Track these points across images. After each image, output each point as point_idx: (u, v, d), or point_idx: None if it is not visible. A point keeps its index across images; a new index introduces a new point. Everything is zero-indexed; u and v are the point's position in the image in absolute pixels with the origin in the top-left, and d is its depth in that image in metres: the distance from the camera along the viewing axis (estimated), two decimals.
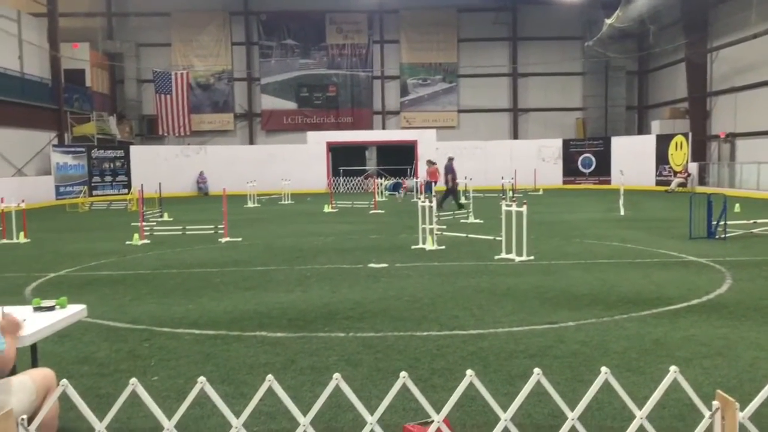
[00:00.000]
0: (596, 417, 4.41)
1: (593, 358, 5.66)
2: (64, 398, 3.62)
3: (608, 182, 36.09)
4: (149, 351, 6.20)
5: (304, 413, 3.16)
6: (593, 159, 37.59)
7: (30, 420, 2.97)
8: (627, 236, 14.21)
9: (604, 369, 2.88)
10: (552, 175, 37.43)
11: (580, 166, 37.99)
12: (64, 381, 2.69)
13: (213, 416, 4.51)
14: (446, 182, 22.87)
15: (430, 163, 25.02)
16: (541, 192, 32.58)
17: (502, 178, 27.57)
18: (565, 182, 37.98)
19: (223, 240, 14.59)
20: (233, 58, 41.55)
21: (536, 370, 2.87)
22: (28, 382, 3.49)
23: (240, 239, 14.73)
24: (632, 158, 34.84)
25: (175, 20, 40.65)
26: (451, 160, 23.00)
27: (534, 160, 37.11)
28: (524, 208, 11.31)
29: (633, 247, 12.51)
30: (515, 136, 41.53)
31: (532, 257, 11.18)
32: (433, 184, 24.01)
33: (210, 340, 6.52)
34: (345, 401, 4.67)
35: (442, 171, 23.53)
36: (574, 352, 5.86)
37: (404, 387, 2.97)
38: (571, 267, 10.42)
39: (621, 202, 20.10)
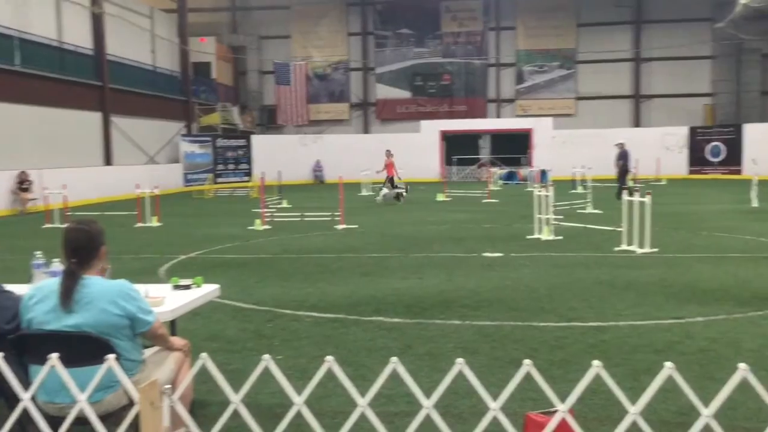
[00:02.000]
0: (729, 416, 4.20)
1: (724, 356, 5.38)
2: (198, 371, 3.85)
3: (738, 172, 33.91)
4: (273, 331, 6.46)
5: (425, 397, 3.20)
6: (723, 147, 35.43)
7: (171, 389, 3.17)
8: (762, 229, 13.32)
9: (742, 365, 2.74)
10: (676, 164, 35.64)
11: (708, 155, 35.92)
12: (203, 355, 2.86)
13: (334, 396, 4.65)
14: (622, 169, 21.52)
15: (389, 154, 23.79)
16: (664, 182, 31.10)
17: (614, 166, 26.45)
18: (691, 172, 36.05)
19: (340, 227, 14.92)
20: (350, 49, 42.23)
21: (668, 364, 2.77)
22: (166, 354, 3.74)
23: (356, 226, 15.02)
24: (767, 147, 32.56)
25: (294, 13, 41.79)
26: (621, 145, 21.87)
27: (657, 149, 35.42)
28: (647, 199, 10.85)
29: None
30: (637, 124, 39.81)
31: (655, 249, 10.72)
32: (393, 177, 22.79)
33: (329, 323, 6.71)
34: (462, 388, 4.69)
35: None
36: (702, 349, 5.59)
37: (523, 376, 2.95)
38: (698, 260, 9.91)
39: (754, 193, 18.86)
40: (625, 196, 11.48)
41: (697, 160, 36.20)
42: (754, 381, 2.83)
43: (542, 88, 41.10)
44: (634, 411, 2.82)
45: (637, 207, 10.91)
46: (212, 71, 38.50)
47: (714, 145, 35.81)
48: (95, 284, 3.35)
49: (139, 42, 32.27)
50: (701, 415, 2.88)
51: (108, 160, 28.49)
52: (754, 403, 4.04)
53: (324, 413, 4.35)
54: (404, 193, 22.39)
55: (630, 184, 21.20)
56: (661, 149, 35.71)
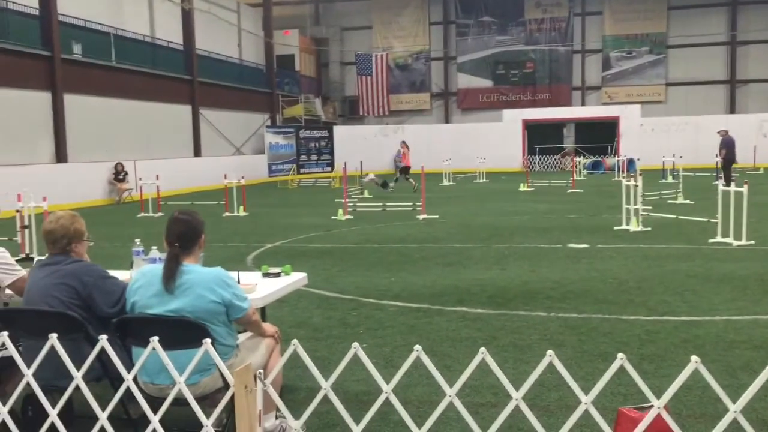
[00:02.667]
0: None
1: None
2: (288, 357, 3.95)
3: None
4: (357, 319, 6.55)
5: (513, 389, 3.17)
6: None
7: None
8: None
9: None
10: None
11: None
12: (295, 341, 2.93)
13: (419, 385, 4.68)
14: (726, 158, 20.70)
15: (404, 145, 23.96)
16: (761, 171, 29.57)
17: (716, 155, 25.36)
18: None
19: (421, 217, 14.93)
20: (430, 38, 42.06)
21: None
22: (259, 339, 3.86)
23: (437, 216, 15.00)
24: None
25: (376, 3, 41.94)
26: (725, 133, 21.03)
27: (754, 137, 33.65)
28: (744, 188, 10.35)
29: None
30: (732, 111, 37.95)
31: (752, 242, 10.23)
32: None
33: (413, 313, 6.74)
34: (548, 380, 4.64)
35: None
36: None
37: (616, 370, 2.88)
38: None
39: None
40: (721, 186, 10.98)
41: None
42: None
43: (630, 74, 39.76)
44: (734, 409, 2.71)
45: (732, 197, 10.43)
46: (296, 63, 39.18)
47: None
48: (194, 271, 3.50)
49: (226, 36, 33.19)
50: None
51: (197, 152, 29.49)
52: None
53: (410, 402, 4.38)
54: (392, 184, 22.99)
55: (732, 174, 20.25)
56: (759, 137, 33.90)
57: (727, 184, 18.59)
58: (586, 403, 2.85)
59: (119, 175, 22.77)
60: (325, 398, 3.26)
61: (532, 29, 40.76)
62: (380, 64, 40.25)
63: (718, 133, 21.12)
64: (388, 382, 3.34)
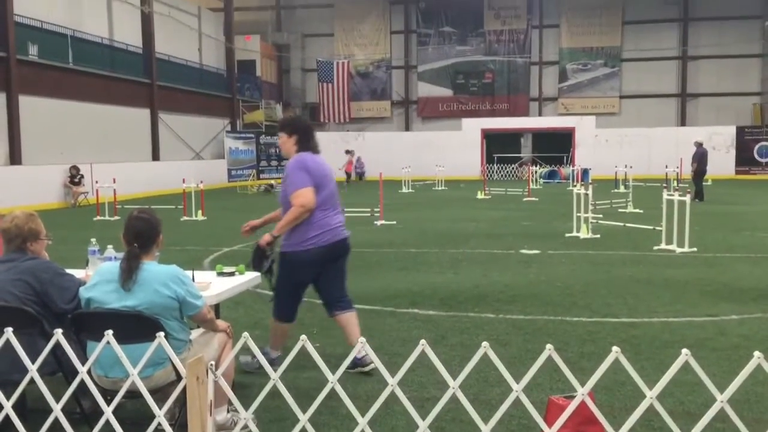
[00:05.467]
0: (754, 410, 4.27)
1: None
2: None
3: None
4: (312, 321, 6.69)
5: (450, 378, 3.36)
6: None
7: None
8: None
9: (757, 354, 2.86)
10: (723, 164, 34.87)
11: (756, 156, 35.13)
12: (245, 333, 3.07)
13: (368, 381, 4.86)
14: (696, 170, 21.10)
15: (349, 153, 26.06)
16: (709, 182, 30.49)
17: (666, 167, 26.18)
18: (737, 172, 35.29)
19: (379, 223, 15.13)
20: (392, 47, 42.41)
21: (684, 350, 2.90)
22: (212, 335, 3.99)
23: (395, 222, 15.21)
24: None
25: (338, 11, 42.15)
26: (699, 145, 21.46)
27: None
28: (687, 198, 10.81)
29: None
30: (683, 123, 39.12)
31: (694, 249, 10.67)
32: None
33: (366, 314, 6.91)
34: (493, 377, 4.86)
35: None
36: (735, 346, 5.64)
37: (552, 367, 3.09)
38: (737, 260, 9.85)
39: None
40: (665, 195, 11.43)
41: (744, 160, 35.42)
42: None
43: (585, 86, 40.68)
44: (650, 395, 2.95)
45: (676, 206, 10.87)
46: (257, 69, 39.12)
47: (762, 145, 34.99)
48: (151, 268, 3.63)
49: (186, 40, 33.02)
50: (716, 401, 2.99)
51: (156, 156, 29.24)
52: None
53: (358, 396, 4.55)
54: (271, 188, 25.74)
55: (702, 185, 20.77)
56: (708, 149, 34.95)
57: (698, 196, 19.35)
58: (517, 391, 3.06)
59: (74, 178, 22.48)
60: (277, 393, 3.41)
61: (491, 40, 41.43)
62: (341, 72, 40.44)
63: (695, 143, 21.68)
64: (335, 374, 3.51)
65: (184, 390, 2.95)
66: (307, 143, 5.06)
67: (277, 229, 4.98)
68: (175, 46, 31.42)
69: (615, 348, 3.04)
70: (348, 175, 24.84)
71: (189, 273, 4.08)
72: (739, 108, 38.66)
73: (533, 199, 22.25)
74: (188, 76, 32.41)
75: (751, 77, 38.66)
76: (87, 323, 3.62)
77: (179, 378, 3.17)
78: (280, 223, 4.98)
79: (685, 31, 39.10)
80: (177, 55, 31.60)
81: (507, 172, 35.46)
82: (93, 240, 4.88)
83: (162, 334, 3.08)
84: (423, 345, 3.28)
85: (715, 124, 36.86)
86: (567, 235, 12.72)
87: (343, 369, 3.35)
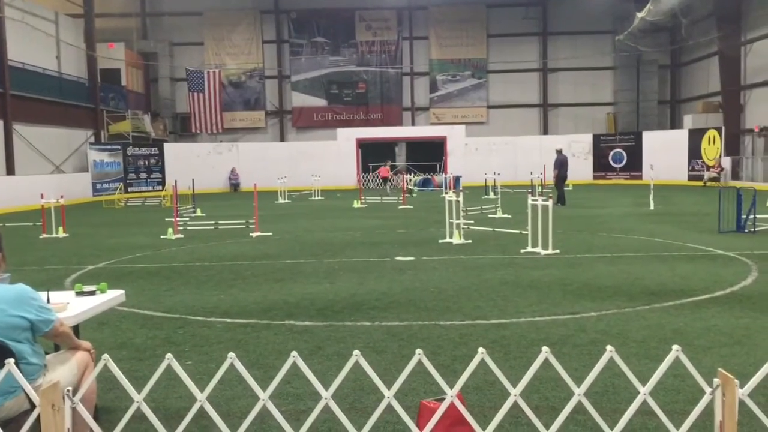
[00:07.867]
0: (612, 401, 4.54)
1: (613, 347, 5.77)
2: (103, 379, 3.86)
3: (639, 177, 35.78)
4: (183, 338, 6.47)
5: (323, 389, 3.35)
6: (624, 154, 37.32)
7: (73, 393, 3.20)
8: (655, 230, 14.19)
9: (609, 348, 3.04)
10: (582, 170, 37.21)
11: (610, 161, 37.74)
12: (106, 356, 2.92)
13: (243, 397, 4.74)
14: (557, 176, 21.99)
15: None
16: (570, 187, 32.31)
17: (531, 173, 27.52)
18: (595, 177, 37.76)
19: (254, 234, 14.89)
20: (264, 56, 42.00)
21: (544, 348, 3.04)
22: (70, 357, 3.75)
23: (270, 234, 15.03)
24: (664, 153, 34.48)
25: (207, 19, 41.24)
26: (559, 152, 22.29)
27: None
28: (550, 203, 11.42)
29: (660, 241, 12.52)
30: (545, 132, 41.36)
31: (557, 251, 11.26)
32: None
33: (240, 328, 6.77)
34: (368, 384, 4.88)
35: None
36: (593, 341, 5.98)
37: (425, 371, 3.14)
38: (596, 260, 10.49)
39: (651, 196, 20.00)
40: (530, 200, 12.01)
41: (601, 166, 37.96)
42: (620, 361, 3.14)
43: (455, 96, 42.10)
44: (515, 393, 3.07)
45: (540, 211, 11.44)
46: (122, 78, 37.47)
47: (616, 152, 37.65)
48: None
49: (43, 47, 31.08)
50: (575, 394, 3.16)
51: (10, 170, 27.28)
52: (634, 387, 4.37)
53: (232, 414, 4.43)
54: None
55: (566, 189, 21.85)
56: (568, 156, 37.18)
57: (560, 201, 20.44)
58: (388, 397, 3.09)
59: None
60: (143, 417, 3.25)
61: (363, 51, 41.99)
62: (213, 81, 39.57)
63: (556, 151, 22.80)
64: (209, 396, 3.40)
65: (38, 419, 2.75)
66: None
67: None
68: (30, 53, 29.48)
69: (481, 349, 3.14)
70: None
71: (44, 294, 3.82)
72: (595, 117, 41.43)
73: (408, 206, 22.69)
74: (46, 84, 30.50)
75: (605, 88, 41.54)
76: None
77: (33, 406, 2.95)
78: None
79: (544, 44, 41.40)
80: (33, 62, 29.68)
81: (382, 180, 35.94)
82: None
83: (12, 360, 2.86)
84: (294, 357, 3.25)
85: (574, 133, 39.30)
86: (440, 241, 13.06)
87: (212, 386, 3.25)
